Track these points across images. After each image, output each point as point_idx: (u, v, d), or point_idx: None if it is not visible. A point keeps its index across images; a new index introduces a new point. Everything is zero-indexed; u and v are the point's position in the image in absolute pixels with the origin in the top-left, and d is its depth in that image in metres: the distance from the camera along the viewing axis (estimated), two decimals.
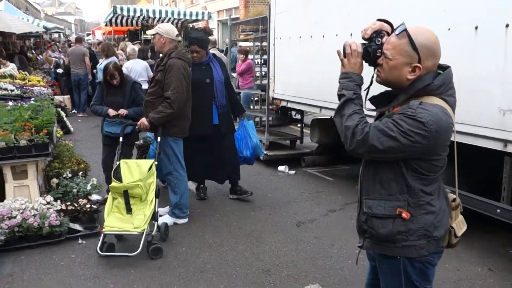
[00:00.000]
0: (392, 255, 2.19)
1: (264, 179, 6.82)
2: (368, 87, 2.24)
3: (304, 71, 6.82)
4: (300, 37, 6.83)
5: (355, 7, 5.73)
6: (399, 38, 2.07)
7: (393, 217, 2.13)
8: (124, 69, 10.09)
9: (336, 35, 6.02)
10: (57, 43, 22.20)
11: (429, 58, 2.05)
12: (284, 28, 7.29)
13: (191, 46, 5.69)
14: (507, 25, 3.94)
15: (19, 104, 6.90)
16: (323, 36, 6.30)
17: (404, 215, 2.11)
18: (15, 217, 4.57)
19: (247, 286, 3.90)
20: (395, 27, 2.13)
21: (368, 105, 2.23)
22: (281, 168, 7.43)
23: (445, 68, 2.13)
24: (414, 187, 2.10)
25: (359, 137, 2.04)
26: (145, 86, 8.53)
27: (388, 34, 2.16)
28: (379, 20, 2.21)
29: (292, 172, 7.34)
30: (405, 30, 2.05)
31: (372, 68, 2.20)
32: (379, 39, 2.14)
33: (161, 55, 5.26)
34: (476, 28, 4.16)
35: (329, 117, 7.26)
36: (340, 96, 2.15)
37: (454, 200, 2.27)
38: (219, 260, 4.37)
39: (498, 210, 4.07)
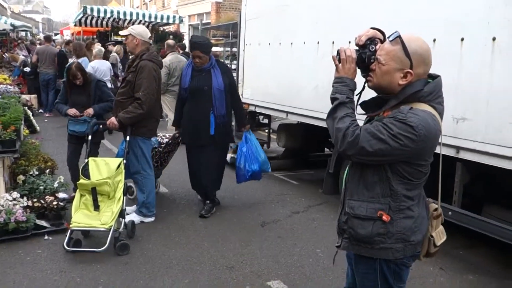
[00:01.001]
0: (369, 256, 2.24)
1: (232, 181, 6.94)
2: (360, 92, 2.28)
3: (272, 77, 7.01)
4: (269, 43, 7.02)
5: (323, 18, 5.94)
6: (393, 44, 2.13)
7: (374, 219, 2.18)
8: (89, 68, 10.22)
9: (304, 43, 6.23)
10: (24, 42, 21.76)
11: (420, 65, 2.12)
12: (254, 34, 7.47)
13: (193, 51, 5.34)
14: (462, 39, 4.22)
15: None
16: (292, 43, 6.50)
17: (384, 217, 2.16)
18: None
19: (211, 282, 4.03)
20: (387, 35, 2.21)
21: (359, 110, 2.28)
22: None
23: (435, 77, 2.19)
24: (397, 191, 2.15)
25: (349, 139, 2.08)
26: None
27: (381, 42, 2.22)
28: (372, 28, 2.28)
29: None
30: (399, 36, 2.12)
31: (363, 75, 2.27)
32: (373, 46, 2.20)
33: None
34: (434, 41, 4.42)
35: (295, 122, 7.47)
36: (333, 99, 2.20)
37: (436, 209, 2.33)
38: (184, 257, 4.48)
39: (450, 213, 4.32)
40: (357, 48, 2.25)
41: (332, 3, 5.79)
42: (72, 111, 5.50)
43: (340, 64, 2.23)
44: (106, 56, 12.68)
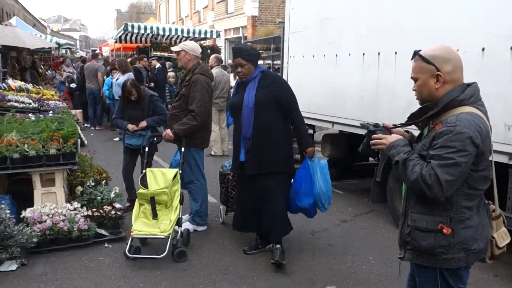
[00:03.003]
0: (432, 266, 2.35)
1: None
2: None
3: (317, 88, 7.13)
4: (313, 55, 7.15)
5: (366, 30, 6.04)
6: (415, 61, 2.38)
7: (435, 231, 2.28)
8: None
9: (349, 55, 6.34)
10: (67, 59, 22.61)
11: (445, 64, 2.29)
12: (297, 47, 7.63)
13: (235, 59, 4.68)
14: (511, 48, 4.26)
15: (42, 116, 7.19)
16: (336, 55, 6.62)
17: (445, 230, 2.26)
18: (45, 221, 4.84)
19: (268, 287, 4.15)
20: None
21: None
22: None
23: (470, 84, 2.34)
24: (457, 203, 2.25)
25: (430, 182, 2.17)
26: None
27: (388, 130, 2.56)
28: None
29: None
30: (416, 53, 2.37)
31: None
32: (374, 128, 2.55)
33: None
34: (483, 49, 4.46)
35: (337, 132, 7.55)
36: (397, 162, 2.33)
37: (494, 210, 2.42)
38: (239, 264, 4.62)
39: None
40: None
41: (377, 16, 5.89)
42: (130, 126, 5.81)
43: (382, 145, 2.46)
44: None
